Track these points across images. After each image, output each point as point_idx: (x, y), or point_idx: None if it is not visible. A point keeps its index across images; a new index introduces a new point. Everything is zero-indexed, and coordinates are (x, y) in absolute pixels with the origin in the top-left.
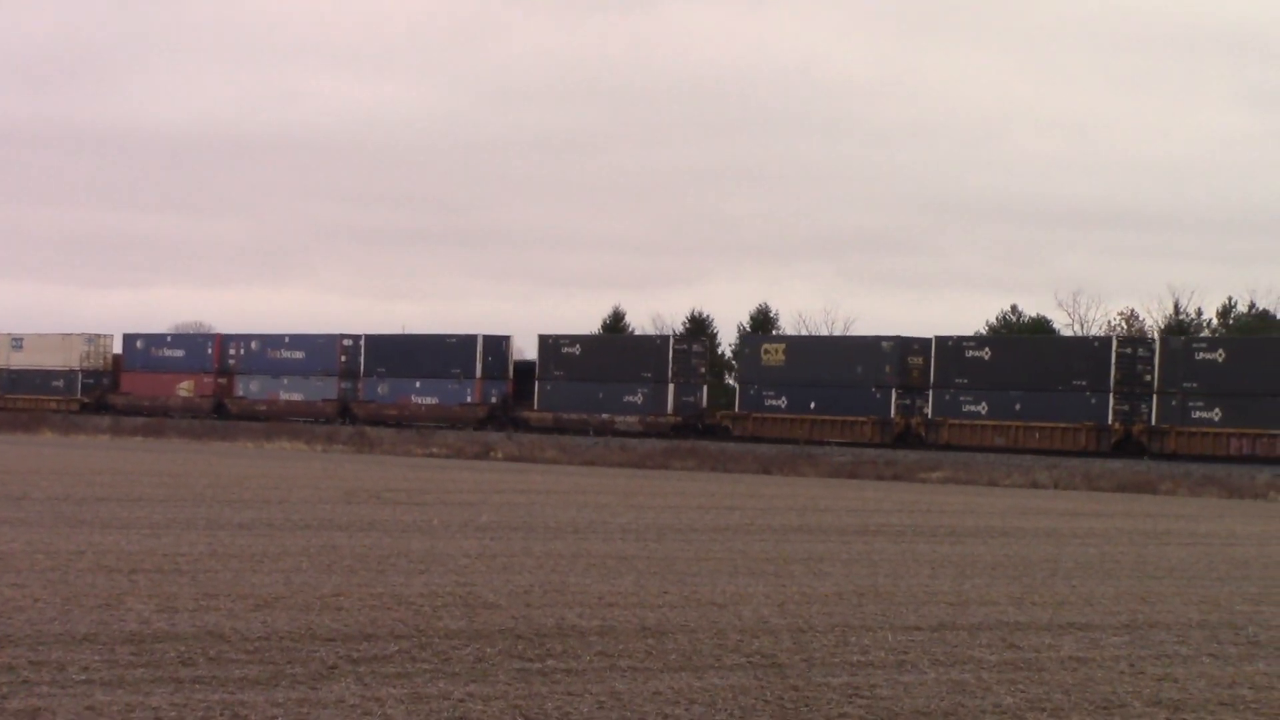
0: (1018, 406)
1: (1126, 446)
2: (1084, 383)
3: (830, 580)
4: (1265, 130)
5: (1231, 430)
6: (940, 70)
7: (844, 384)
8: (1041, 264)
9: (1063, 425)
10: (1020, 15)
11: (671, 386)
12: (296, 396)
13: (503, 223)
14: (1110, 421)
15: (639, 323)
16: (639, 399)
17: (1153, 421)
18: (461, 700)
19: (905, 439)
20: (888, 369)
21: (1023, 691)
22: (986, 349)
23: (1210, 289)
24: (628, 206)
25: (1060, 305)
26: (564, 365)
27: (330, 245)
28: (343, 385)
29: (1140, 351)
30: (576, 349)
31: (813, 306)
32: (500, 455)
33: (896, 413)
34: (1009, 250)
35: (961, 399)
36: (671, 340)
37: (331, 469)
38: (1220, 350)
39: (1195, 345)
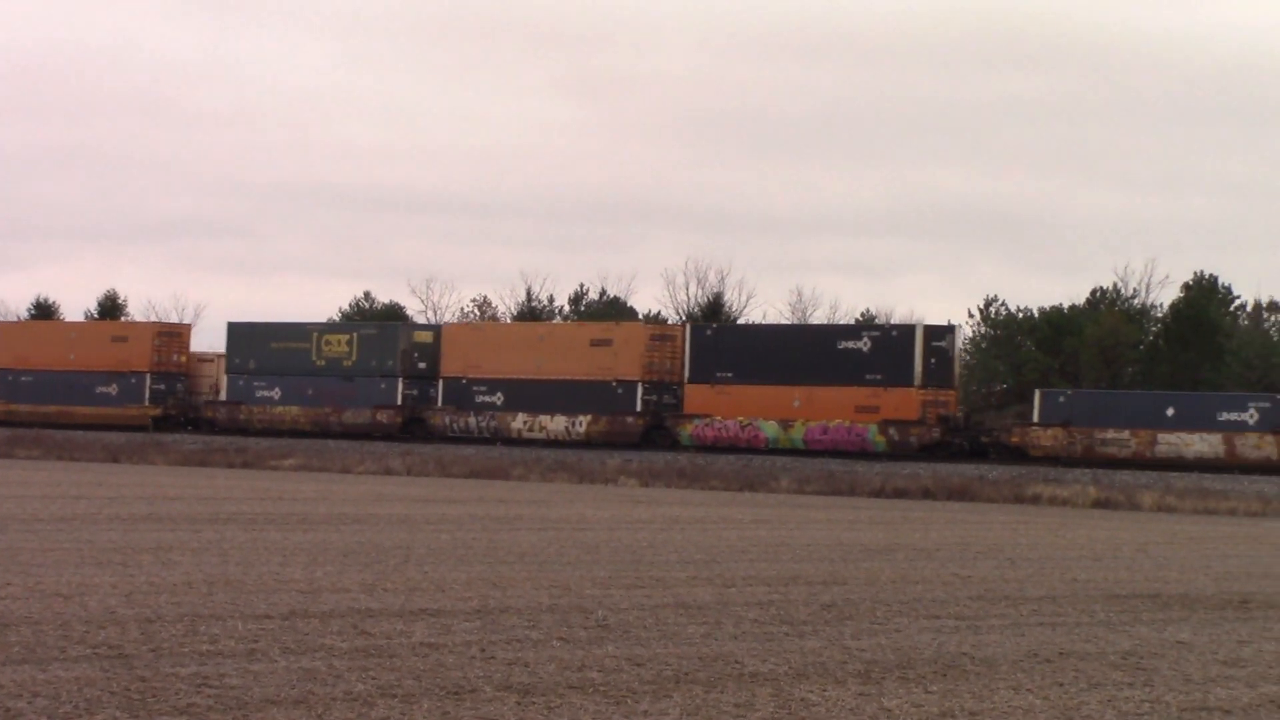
0: None
1: None
2: None
3: (180, 569)
4: (582, 119)
5: None
6: (260, 55)
7: None
8: (383, 251)
9: None
10: (334, 2)
11: None
12: None
13: None
14: None
15: None
16: None
17: None
18: None
19: None
20: None
21: (374, 678)
22: None
23: (564, 275)
24: None
25: (414, 292)
26: None
27: None
28: None
29: None
30: None
31: (162, 293)
32: None
33: None
34: (345, 237)
35: None
36: None
37: None
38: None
39: None
